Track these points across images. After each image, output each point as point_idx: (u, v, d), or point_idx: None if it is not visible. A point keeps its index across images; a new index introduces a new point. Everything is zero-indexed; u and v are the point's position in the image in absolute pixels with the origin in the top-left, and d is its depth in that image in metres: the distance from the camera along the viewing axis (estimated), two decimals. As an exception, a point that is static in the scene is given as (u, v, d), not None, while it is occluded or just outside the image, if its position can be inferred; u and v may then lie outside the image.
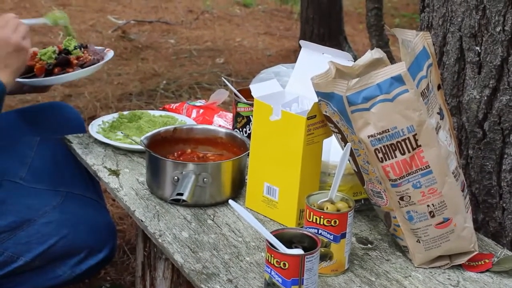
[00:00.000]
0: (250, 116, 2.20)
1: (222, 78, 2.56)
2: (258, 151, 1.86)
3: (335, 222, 1.59)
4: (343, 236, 1.61)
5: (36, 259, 2.10)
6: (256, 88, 1.87)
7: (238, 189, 1.98)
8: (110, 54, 2.39)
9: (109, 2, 7.76)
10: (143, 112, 2.46)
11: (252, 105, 2.00)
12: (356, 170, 1.69)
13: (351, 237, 1.69)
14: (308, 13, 6.21)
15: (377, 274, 1.66)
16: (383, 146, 1.56)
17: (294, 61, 1.96)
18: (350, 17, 7.69)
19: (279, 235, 1.50)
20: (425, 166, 1.57)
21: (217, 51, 6.22)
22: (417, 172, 1.57)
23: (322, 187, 1.85)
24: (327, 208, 1.62)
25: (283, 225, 1.84)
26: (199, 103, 2.55)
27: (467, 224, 1.66)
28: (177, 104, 2.57)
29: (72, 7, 7.45)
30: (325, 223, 1.59)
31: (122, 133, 2.29)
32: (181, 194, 1.80)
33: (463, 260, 1.69)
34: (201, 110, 2.48)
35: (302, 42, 1.94)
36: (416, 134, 1.54)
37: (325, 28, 6.17)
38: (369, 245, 1.78)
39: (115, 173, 2.10)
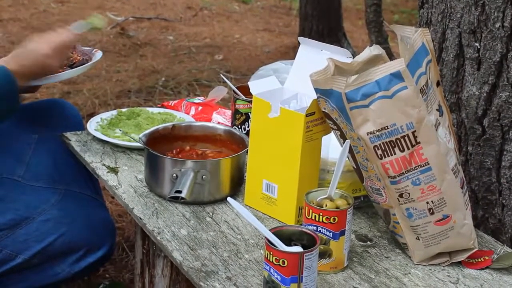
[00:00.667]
0: (249, 113, 2.19)
1: (221, 75, 2.54)
2: (257, 148, 1.85)
3: (334, 219, 1.58)
4: (342, 233, 1.60)
5: (34, 257, 2.10)
6: (255, 85, 1.86)
7: (237, 186, 1.98)
8: (98, 54, 2.41)
9: (107, -2, 7.76)
10: (141, 109, 2.45)
11: (250, 102, 1.99)
12: (355, 167, 1.68)
13: (350, 234, 1.68)
14: (307, 9, 6.21)
15: (376, 272, 1.65)
16: (382, 143, 1.56)
17: (293, 57, 1.95)
18: (349, 13, 7.68)
19: (278, 233, 1.49)
20: (425, 163, 1.56)
21: (216, 48, 6.21)
22: (417, 169, 1.57)
23: (321, 184, 1.85)
24: (326, 205, 1.62)
25: (282, 222, 1.83)
26: (197, 100, 2.55)
27: (466, 221, 1.66)
28: (175, 101, 2.57)
29: (71, 3, 7.45)
30: (324, 221, 1.59)
31: (120, 130, 2.28)
32: (180, 192, 1.80)
33: (462, 257, 1.68)
34: (200, 107, 2.47)
35: (300, 38, 1.93)
36: (415, 131, 1.54)
37: (324, 24, 6.16)
38: (368, 242, 1.78)
39: (114, 170, 2.09)
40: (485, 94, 1.99)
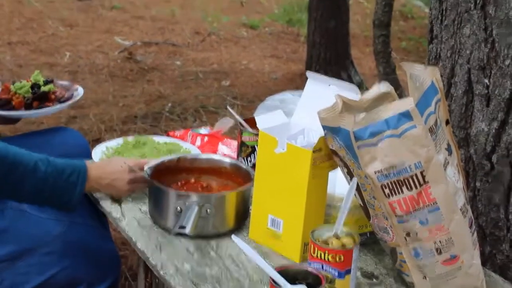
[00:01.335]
0: (255, 146, 2.18)
1: (227, 106, 2.54)
2: (263, 182, 1.84)
3: (340, 258, 1.56)
4: (348, 272, 1.58)
5: None
6: (261, 120, 1.85)
7: (241, 220, 1.96)
8: (80, 89, 2.56)
9: (116, 23, 7.78)
10: (148, 138, 2.44)
11: (257, 134, 1.98)
12: (362, 204, 1.67)
13: (356, 272, 1.66)
14: (314, 37, 6.21)
15: (382, 311, 1.63)
16: (390, 182, 1.54)
17: (300, 84, 1.94)
18: (356, 40, 7.68)
19: (283, 272, 1.47)
20: (433, 203, 1.54)
21: (223, 74, 6.22)
22: (425, 208, 1.55)
23: (327, 219, 1.83)
24: (332, 244, 1.60)
25: (287, 258, 1.81)
26: (203, 130, 2.53)
27: (474, 261, 1.63)
28: (181, 132, 2.56)
29: (79, 27, 7.47)
30: (330, 259, 1.57)
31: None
32: (184, 227, 1.78)
33: (470, 297, 1.66)
34: (206, 138, 2.46)
35: (308, 73, 1.92)
36: (423, 171, 1.52)
37: (332, 52, 6.16)
38: (374, 280, 1.76)
39: (118, 202, 2.08)
40: (494, 131, 1.97)
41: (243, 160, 2.23)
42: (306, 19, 6.84)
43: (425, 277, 1.63)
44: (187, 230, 1.77)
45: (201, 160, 2.11)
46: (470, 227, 1.64)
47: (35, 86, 2.48)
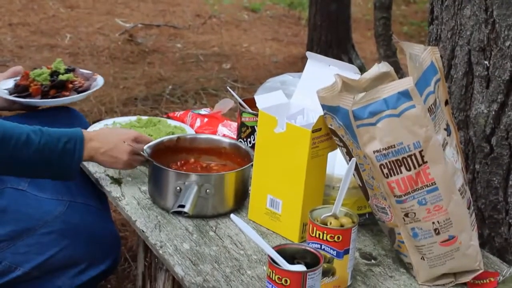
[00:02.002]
0: (255, 127, 2.18)
1: (228, 88, 2.53)
2: (262, 163, 1.84)
3: (338, 237, 1.57)
4: (346, 252, 1.59)
5: (34, 270, 2.07)
6: (261, 99, 1.85)
7: (241, 200, 1.96)
8: (100, 79, 2.53)
9: (117, 5, 7.76)
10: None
11: (257, 115, 1.97)
12: (360, 185, 1.67)
13: (355, 252, 1.66)
14: (316, 19, 6.19)
15: (380, 291, 1.64)
16: (389, 161, 1.54)
17: (301, 68, 1.93)
18: (358, 24, 7.66)
19: (281, 251, 1.48)
20: (431, 183, 1.54)
21: (224, 56, 6.21)
22: (423, 188, 1.55)
23: (326, 200, 1.83)
24: (330, 223, 1.60)
25: (286, 238, 1.81)
26: (204, 111, 2.53)
27: (472, 242, 1.63)
28: (181, 112, 2.55)
29: (80, 9, 7.45)
30: (328, 239, 1.57)
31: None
32: (183, 206, 1.78)
33: (468, 278, 1.66)
34: (206, 119, 2.45)
35: (308, 53, 1.92)
36: (422, 150, 1.52)
37: (333, 35, 6.15)
38: (372, 260, 1.76)
39: (118, 181, 2.08)
40: (493, 113, 1.97)
41: (242, 141, 2.23)
42: (307, 2, 6.82)
43: (423, 258, 1.64)
44: (186, 209, 1.78)
45: (200, 140, 2.11)
46: (469, 208, 1.64)
47: (54, 74, 2.44)
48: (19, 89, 2.41)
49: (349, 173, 1.60)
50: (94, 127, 2.33)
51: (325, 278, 1.59)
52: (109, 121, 2.42)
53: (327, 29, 6.15)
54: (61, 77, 2.43)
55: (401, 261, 1.74)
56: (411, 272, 1.69)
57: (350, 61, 5.95)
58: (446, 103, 1.64)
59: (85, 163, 2.17)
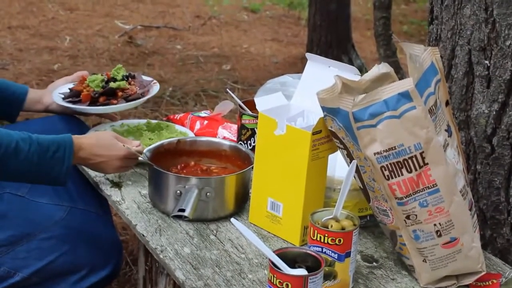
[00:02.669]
0: (255, 129, 2.17)
1: (228, 90, 2.52)
2: (262, 165, 1.83)
3: (339, 240, 1.56)
4: (348, 255, 1.58)
5: (34, 275, 2.06)
6: (261, 101, 1.84)
7: (241, 203, 1.95)
8: (156, 87, 2.46)
9: (116, 7, 7.76)
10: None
11: (257, 117, 1.96)
12: (361, 187, 1.66)
13: (356, 255, 1.65)
14: (315, 19, 6.19)
15: (382, 294, 1.63)
16: (390, 163, 1.53)
17: (301, 68, 1.93)
18: (358, 24, 7.66)
19: (282, 254, 1.47)
20: (432, 185, 1.53)
21: (224, 58, 6.20)
22: (424, 190, 1.54)
23: (327, 202, 1.82)
24: (331, 226, 1.59)
25: (287, 241, 1.80)
26: (203, 114, 2.52)
27: (474, 244, 1.62)
28: (181, 115, 2.55)
29: (79, 11, 7.45)
30: (330, 242, 1.56)
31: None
32: (183, 210, 1.77)
33: (470, 280, 1.65)
34: (206, 122, 2.45)
35: (308, 55, 1.91)
36: (423, 152, 1.51)
37: (333, 35, 6.14)
38: (374, 263, 1.75)
39: (117, 185, 2.07)
40: (494, 113, 1.96)
41: (243, 143, 2.22)
42: (307, 2, 6.81)
43: (425, 260, 1.63)
44: (187, 213, 1.77)
45: (200, 143, 2.10)
46: (470, 209, 1.63)
47: (110, 80, 2.41)
48: (71, 94, 2.38)
49: (350, 175, 1.59)
50: (98, 128, 2.33)
51: (326, 282, 1.58)
52: (117, 123, 2.41)
53: (327, 29, 6.15)
54: (112, 84, 2.38)
55: (403, 264, 1.73)
56: (413, 275, 1.68)
57: (350, 61, 5.94)
58: (447, 103, 1.63)
59: (85, 167, 2.16)
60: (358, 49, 6.29)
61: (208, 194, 1.85)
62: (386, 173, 1.54)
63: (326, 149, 1.74)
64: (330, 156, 1.77)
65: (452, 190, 1.55)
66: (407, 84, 1.49)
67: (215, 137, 2.35)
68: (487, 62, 1.95)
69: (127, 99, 2.37)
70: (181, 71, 5.72)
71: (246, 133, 2.22)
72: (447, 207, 1.55)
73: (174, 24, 7.24)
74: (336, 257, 1.57)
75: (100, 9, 7.59)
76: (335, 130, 1.62)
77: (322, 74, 1.82)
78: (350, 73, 1.76)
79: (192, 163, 2.07)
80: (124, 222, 3.13)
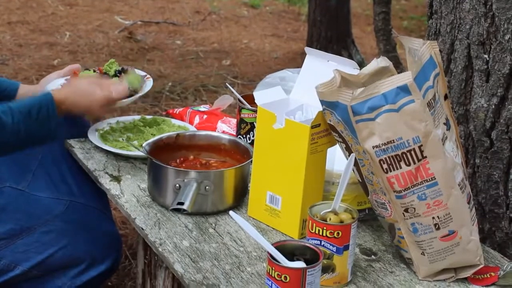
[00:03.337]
0: (254, 123, 2.17)
1: (227, 84, 2.52)
2: (261, 159, 1.83)
3: (338, 233, 1.56)
4: (346, 248, 1.58)
5: (34, 269, 2.07)
6: (260, 95, 1.84)
7: (240, 197, 1.95)
8: (149, 83, 2.39)
9: (116, 2, 7.74)
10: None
11: (256, 111, 1.97)
12: (360, 180, 1.66)
13: (354, 248, 1.66)
14: (315, 15, 6.18)
15: (380, 287, 1.63)
16: (388, 157, 1.53)
17: (301, 63, 1.93)
18: (358, 19, 7.65)
19: (280, 247, 1.47)
20: (431, 178, 1.54)
21: (224, 53, 6.20)
22: (423, 183, 1.54)
23: (326, 196, 1.83)
24: (330, 219, 1.59)
25: (285, 234, 1.81)
26: (203, 108, 2.52)
27: (472, 237, 1.63)
28: (180, 109, 2.55)
29: (79, 7, 7.44)
30: (328, 235, 1.56)
31: (123, 139, 2.26)
32: (182, 204, 1.77)
33: (468, 273, 1.66)
34: (205, 116, 2.45)
35: (307, 49, 1.91)
36: (421, 145, 1.51)
37: (333, 30, 6.13)
38: (372, 256, 1.75)
39: (117, 179, 2.07)
40: (493, 107, 1.96)
41: (242, 138, 2.23)
42: (307, -2, 6.81)
43: (423, 253, 1.63)
44: (185, 206, 1.77)
45: (199, 137, 2.11)
46: (469, 202, 1.63)
47: (102, 75, 2.35)
48: None
49: (349, 168, 1.59)
50: (96, 126, 2.33)
51: (325, 274, 1.59)
52: (112, 120, 2.41)
53: (327, 25, 6.14)
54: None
55: (401, 257, 1.73)
56: (412, 268, 1.69)
57: (350, 57, 5.94)
58: (446, 97, 1.64)
59: (84, 161, 2.17)
60: (358, 45, 6.28)
61: (207, 187, 1.85)
62: (385, 166, 1.54)
63: (325, 142, 1.74)
64: (329, 150, 1.77)
65: (451, 183, 1.56)
66: (405, 78, 1.49)
67: (214, 131, 2.36)
68: (486, 56, 1.95)
69: None
70: (181, 67, 5.71)
71: (245, 127, 2.22)
72: (446, 200, 1.56)
73: (174, 20, 7.24)
74: (335, 250, 1.57)
75: (100, 5, 7.58)
76: (334, 124, 1.62)
77: (321, 68, 1.82)
78: (349, 67, 1.76)
79: (191, 157, 2.07)
80: (124, 216, 3.14)
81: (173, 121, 2.42)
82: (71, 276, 2.12)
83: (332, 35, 6.15)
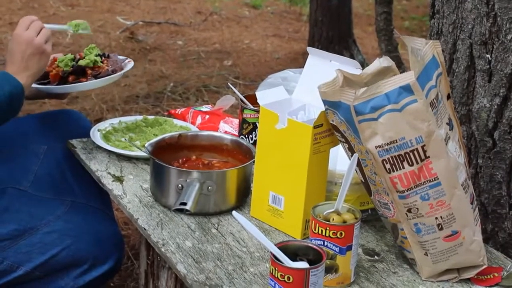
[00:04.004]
0: (257, 123, 2.17)
1: (229, 84, 2.52)
2: (264, 159, 1.83)
3: (341, 234, 1.56)
4: (349, 248, 1.58)
5: (36, 269, 2.07)
6: (262, 95, 1.84)
7: (243, 197, 1.95)
8: (129, 64, 2.38)
9: (117, 2, 7.74)
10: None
11: (258, 111, 1.97)
12: (363, 180, 1.66)
13: (358, 249, 1.65)
14: (317, 15, 6.18)
15: (383, 287, 1.62)
16: (391, 157, 1.53)
17: (303, 64, 1.93)
18: (359, 19, 7.65)
19: (283, 248, 1.47)
20: (434, 178, 1.53)
21: (225, 53, 6.20)
22: (426, 184, 1.54)
23: (328, 196, 1.82)
24: (333, 220, 1.59)
25: (288, 235, 1.80)
26: (205, 108, 2.52)
27: (476, 237, 1.63)
28: (182, 110, 2.54)
29: (80, 7, 7.44)
30: (331, 235, 1.56)
31: (125, 139, 2.26)
32: (185, 204, 1.77)
33: (471, 274, 1.65)
34: (207, 116, 2.45)
35: (309, 49, 1.91)
36: (424, 145, 1.51)
37: (334, 31, 6.13)
38: (375, 256, 1.75)
39: (119, 179, 2.07)
40: (496, 107, 1.96)
41: (244, 138, 2.23)
42: (308, -2, 6.81)
43: (426, 253, 1.63)
44: (188, 207, 1.77)
45: (202, 137, 2.10)
46: (472, 203, 1.63)
47: (78, 59, 2.32)
48: (42, 76, 2.26)
49: (351, 168, 1.59)
50: (98, 127, 2.33)
51: (328, 275, 1.58)
52: (114, 120, 2.41)
53: (328, 25, 6.14)
54: (80, 62, 2.30)
55: (404, 257, 1.73)
56: (415, 268, 1.68)
57: (352, 57, 5.94)
58: (448, 97, 1.63)
59: (86, 161, 2.17)
60: (360, 45, 6.28)
61: (209, 188, 1.85)
62: (388, 166, 1.54)
63: (327, 142, 1.74)
64: (332, 150, 1.77)
65: (454, 183, 1.55)
66: (408, 78, 1.49)
67: (217, 131, 2.35)
68: (488, 56, 1.95)
69: (96, 77, 2.28)
70: (183, 67, 5.71)
71: (248, 127, 2.22)
72: (449, 200, 1.56)
73: (175, 20, 7.24)
74: (338, 251, 1.57)
75: (101, 5, 7.58)
76: (336, 124, 1.62)
77: (323, 68, 1.82)
78: (351, 67, 1.76)
79: (194, 157, 2.07)
80: (126, 216, 3.14)
81: (175, 121, 2.42)
82: (73, 276, 2.12)
83: (334, 35, 6.15)
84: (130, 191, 2.01)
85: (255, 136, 2.19)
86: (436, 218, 1.57)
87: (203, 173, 1.87)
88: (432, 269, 1.64)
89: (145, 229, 1.82)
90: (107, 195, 2.15)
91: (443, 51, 2.02)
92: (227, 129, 2.39)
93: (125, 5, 7.70)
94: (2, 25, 6.58)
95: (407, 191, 1.55)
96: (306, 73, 1.90)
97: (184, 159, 2.05)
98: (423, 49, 1.58)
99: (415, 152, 1.52)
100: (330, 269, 1.58)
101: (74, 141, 2.29)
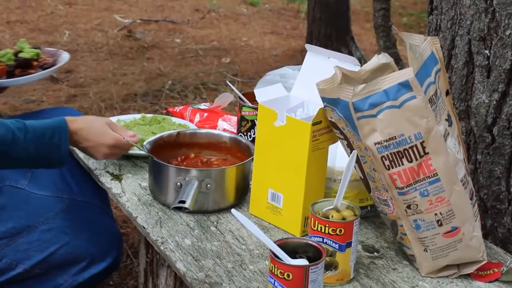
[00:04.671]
0: (255, 120, 2.17)
1: (227, 82, 2.52)
2: (263, 156, 1.83)
3: (340, 231, 1.55)
4: (349, 245, 1.58)
5: (35, 267, 2.07)
6: (261, 93, 1.83)
7: (242, 195, 1.95)
8: (65, 55, 2.48)
9: (115, 1, 7.75)
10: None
11: (257, 109, 1.96)
12: (362, 177, 1.66)
13: (357, 245, 1.65)
14: (315, 12, 6.18)
15: (383, 284, 1.62)
16: (390, 153, 1.53)
17: (301, 61, 1.92)
18: (357, 16, 7.65)
19: (283, 245, 1.47)
20: (433, 174, 1.53)
21: (223, 51, 6.19)
22: (425, 180, 1.54)
23: (327, 193, 1.82)
24: (332, 217, 1.59)
25: (287, 232, 1.80)
26: (203, 106, 2.52)
27: (475, 233, 1.62)
28: (181, 107, 2.54)
29: (78, 6, 7.44)
30: (330, 232, 1.56)
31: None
32: (183, 202, 1.77)
33: (471, 269, 1.65)
34: (205, 114, 2.44)
35: (307, 46, 1.90)
36: (423, 142, 1.51)
37: (332, 27, 6.13)
38: (375, 253, 1.75)
39: (118, 178, 2.07)
40: (494, 102, 1.96)
41: (243, 135, 2.22)
42: (306, -5, 6.81)
43: (426, 250, 1.63)
44: (187, 205, 1.76)
45: (200, 135, 2.10)
46: (471, 198, 1.63)
47: (19, 53, 2.42)
48: None
49: (350, 165, 1.59)
50: None
51: (327, 272, 1.58)
52: (113, 119, 2.40)
53: (326, 22, 6.14)
54: (24, 55, 2.39)
55: (404, 253, 1.73)
56: (414, 264, 1.68)
57: (350, 53, 5.94)
58: (447, 93, 1.63)
59: (85, 160, 2.17)
60: (358, 42, 6.28)
61: (208, 185, 1.85)
62: (387, 163, 1.54)
63: (326, 139, 1.73)
64: (331, 147, 1.77)
65: (453, 179, 1.55)
66: (407, 74, 1.48)
67: (215, 129, 2.35)
68: (487, 52, 1.95)
69: (43, 68, 2.39)
70: (181, 65, 5.71)
71: (246, 125, 2.22)
72: (448, 196, 1.55)
73: (173, 18, 7.23)
74: (337, 247, 1.57)
75: (99, 3, 7.58)
76: (335, 121, 1.62)
77: (321, 65, 1.82)
78: (349, 64, 1.76)
79: (192, 155, 2.06)
80: (125, 215, 3.13)
81: (174, 119, 2.42)
82: (72, 273, 2.12)
83: (332, 32, 6.15)
84: (129, 189, 2.00)
85: (254, 134, 2.18)
86: (436, 214, 1.57)
87: (202, 171, 1.87)
88: (432, 265, 1.64)
89: (144, 227, 1.81)
90: (106, 192, 2.15)
91: (441, 47, 2.02)
92: (226, 127, 2.38)
93: (123, 3, 7.70)
94: (0, 24, 6.58)
95: (406, 187, 1.55)
96: (304, 70, 1.90)
97: (183, 157, 2.05)
98: (422, 46, 1.57)
99: (414, 148, 1.52)
100: (329, 266, 1.58)
101: (72, 140, 2.29)
